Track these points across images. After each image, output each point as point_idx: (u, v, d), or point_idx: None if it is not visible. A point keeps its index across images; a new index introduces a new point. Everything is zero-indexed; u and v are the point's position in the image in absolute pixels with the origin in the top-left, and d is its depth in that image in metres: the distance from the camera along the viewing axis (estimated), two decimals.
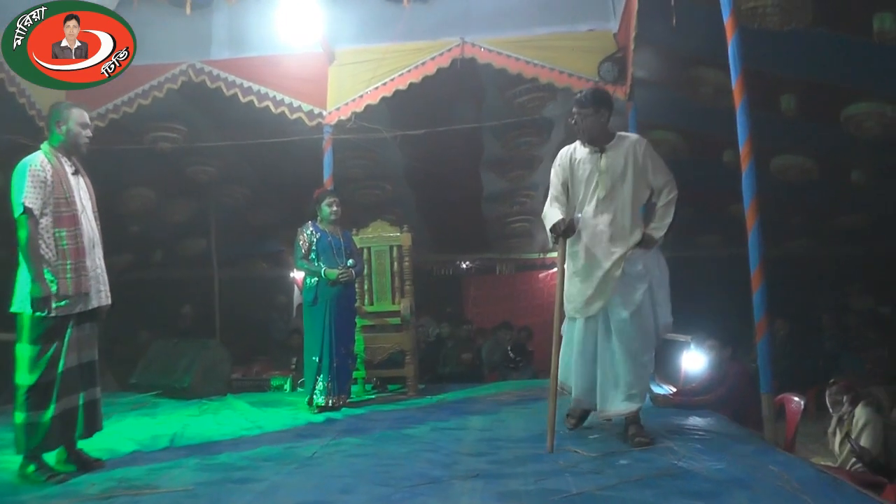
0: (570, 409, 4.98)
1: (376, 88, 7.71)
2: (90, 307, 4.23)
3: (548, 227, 4.63)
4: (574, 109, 4.61)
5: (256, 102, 7.89)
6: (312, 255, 6.46)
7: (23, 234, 4.01)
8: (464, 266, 15.64)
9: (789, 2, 5.92)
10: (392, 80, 7.68)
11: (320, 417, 5.96)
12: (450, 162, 10.03)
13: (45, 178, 4.08)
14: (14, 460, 4.18)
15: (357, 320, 6.82)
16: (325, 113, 7.85)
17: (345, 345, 6.44)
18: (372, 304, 7.33)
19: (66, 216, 4.11)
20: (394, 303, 7.27)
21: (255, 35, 7.94)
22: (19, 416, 4.00)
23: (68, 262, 4.08)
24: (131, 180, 10.35)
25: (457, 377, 9.17)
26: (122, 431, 5.41)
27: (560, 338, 4.71)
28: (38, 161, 4.13)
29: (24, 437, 4.00)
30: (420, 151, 9.41)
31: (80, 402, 4.19)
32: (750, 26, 5.85)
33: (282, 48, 7.87)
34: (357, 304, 7.20)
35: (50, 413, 4.00)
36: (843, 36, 6.38)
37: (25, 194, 4.01)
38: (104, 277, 4.40)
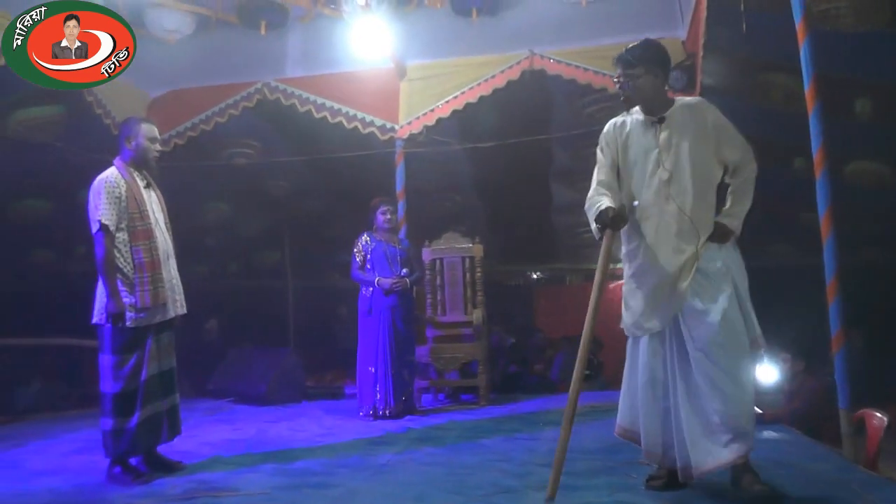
0: (652, 471, 3.78)
1: (447, 102, 7.80)
2: (168, 317, 4.38)
3: (591, 218, 3.64)
4: (618, 71, 3.65)
5: (330, 118, 8.06)
6: (368, 266, 6.55)
7: (99, 250, 4.19)
8: (534, 276, 15.62)
9: (863, 3, 5.74)
10: (463, 93, 7.76)
11: (392, 426, 6.00)
12: (519, 173, 10.06)
13: (120, 193, 4.24)
14: (102, 461, 4.36)
15: (421, 330, 6.88)
16: (396, 127, 7.98)
17: (402, 355, 6.46)
18: (444, 314, 7.39)
19: (140, 230, 4.26)
20: (466, 313, 7.31)
21: (327, 53, 8.10)
22: (107, 423, 4.18)
23: (145, 274, 4.23)
24: (208, 195, 10.66)
25: (528, 387, 9.17)
26: (200, 436, 5.59)
27: (586, 357, 3.70)
28: (112, 177, 4.29)
29: (112, 443, 4.17)
30: (490, 163, 9.46)
31: (164, 408, 4.35)
32: (822, 29, 5.69)
33: (354, 65, 8.02)
34: (429, 315, 7.30)
35: (135, 420, 4.16)
36: None
37: (101, 211, 4.18)
38: (179, 287, 4.54)
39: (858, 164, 8.55)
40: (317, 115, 8.10)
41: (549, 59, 7.60)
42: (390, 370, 6.36)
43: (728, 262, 3.53)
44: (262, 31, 7.90)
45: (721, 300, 3.42)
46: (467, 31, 7.68)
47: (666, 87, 3.70)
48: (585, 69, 7.54)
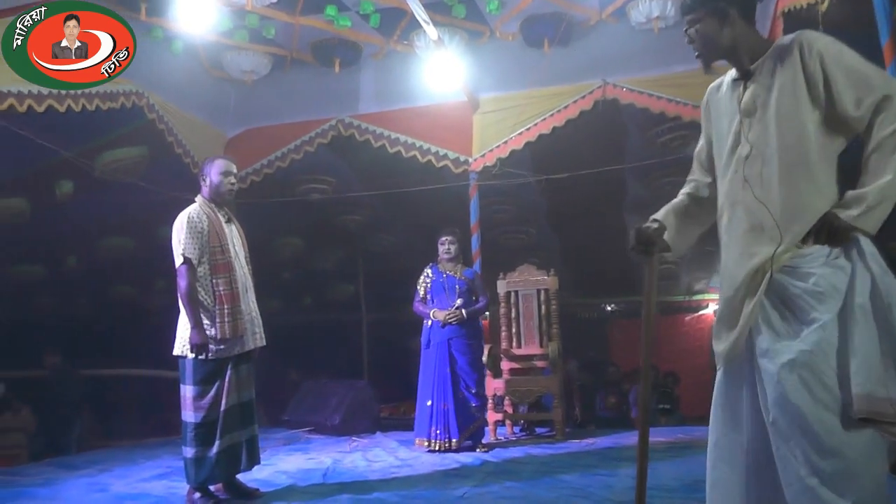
0: None
1: (520, 134, 7.81)
2: (247, 349, 4.45)
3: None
4: (686, 19, 2.70)
5: (404, 152, 8.16)
6: (429, 298, 6.55)
7: (182, 283, 4.30)
8: (608, 309, 15.46)
9: None
10: (535, 124, 7.77)
11: (467, 459, 5.94)
12: (593, 204, 10.00)
13: (202, 228, 4.36)
14: (182, 487, 4.51)
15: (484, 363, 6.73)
16: (470, 160, 8.03)
17: (464, 388, 6.37)
18: (519, 347, 7.34)
19: (221, 264, 4.37)
20: (541, 346, 7.25)
21: (400, 88, 8.21)
22: (188, 451, 4.27)
23: (225, 307, 4.32)
24: (283, 230, 10.87)
25: (603, 421, 9.04)
26: (276, 465, 5.67)
27: (648, 393, 3.03)
28: (195, 213, 4.43)
29: (193, 470, 4.26)
30: (563, 194, 9.43)
31: (243, 438, 4.41)
32: None
33: (427, 99, 8.12)
34: (504, 347, 7.25)
35: (215, 449, 4.24)
36: None
37: (184, 246, 4.30)
38: (258, 320, 4.62)
39: None
40: (391, 150, 8.20)
41: (622, 87, 7.57)
42: (451, 403, 6.28)
43: (835, 278, 2.30)
44: (336, 69, 8.06)
45: (803, 338, 2.29)
46: (539, 62, 7.69)
47: (752, 31, 2.64)
48: (659, 97, 7.49)
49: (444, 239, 6.63)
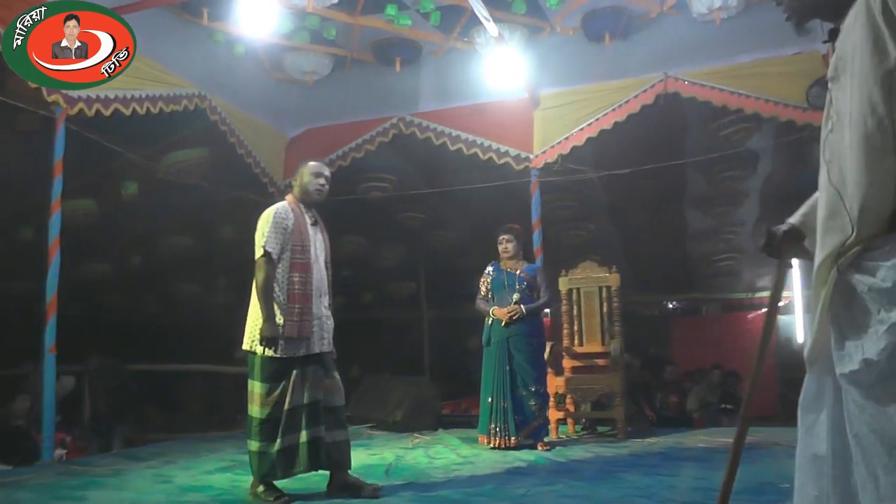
0: None
1: (581, 129, 7.78)
2: (313, 351, 4.43)
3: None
4: None
5: (465, 150, 8.18)
6: (489, 296, 6.53)
7: (260, 275, 4.33)
8: (669, 306, 15.30)
9: None
10: (597, 119, 7.72)
11: (530, 457, 5.92)
12: (654, 200, 9.91)
13: (287, 225, 4.40)
14: (244, 480, 4.63)
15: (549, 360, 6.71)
16: (531, 157, 8.01)
17: (525, 385, 6.32)
18: (581, 344, 7.29)
19: (300, 262, 4.39)
20: (603, 344, 7.18)
21: (460, 85, 8.24)
22: (253, 444, 4.31)
23: (296, 306, 4.33)
24: (344, 228, 10.94)
25: (664, 420, 8.95)
26: None
27: (752, 398, 2.80)
28: (282, 209, 4.46)
29: (257, 464, 4.30)
30: (624, 190, 9.35)
31: (303, 439, 4.36)
32: None
33: (487, 96, 8.13)
34: (566, 345, 7.21)
35: (277, 446, 4.26)
36: None
37: (267, 239, 4.33)
38: (329, 325, 4.60)
39: None
40: (452, 148, 8.22)
41: (684, 80, 7.48)
42: (510, 401, 6.25)
43: None
44: (397, 68, 8.11)
45: (873, 344, 1.94)
46: (600, 56, 7.63)
47: None
48: (721, 90, 7.39)
49: (502, 238, 6.61)
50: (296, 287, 4.36)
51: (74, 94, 6.18)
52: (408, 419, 7.67)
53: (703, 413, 9.78)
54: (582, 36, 7.77)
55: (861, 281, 1.99)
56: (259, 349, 4.31)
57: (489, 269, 6.64)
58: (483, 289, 6.60)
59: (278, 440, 4.27)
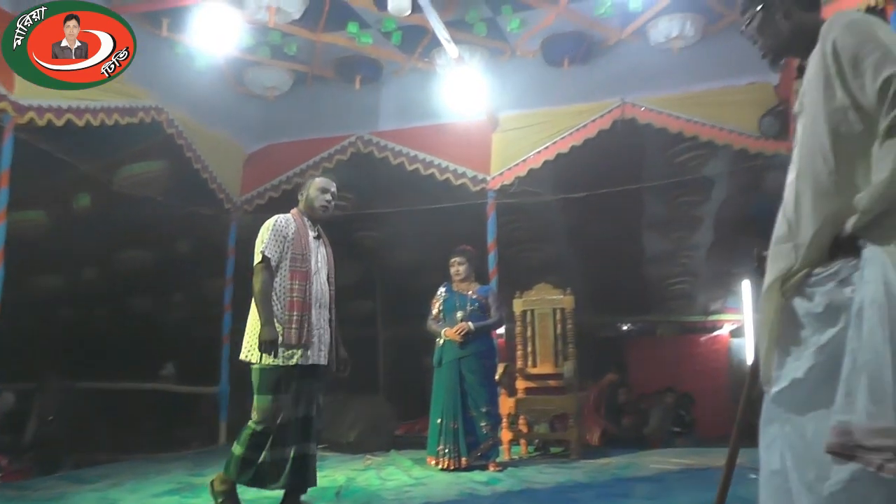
0: None
1: (539, 152, 7.85)
2: (310, 362, 4.40)
3: None
4: (744, 18, 2.54)
5: (422, 170, 8.20)
6: (441, 317, 6.52)
7: (258, 280, 4.33)
8: (624, 328, 15.38)
9: None
10: (554, 143, 7.80)
11: (482, 478, 5.90)
12: (610, 223, 9.98)
13: (287, 234, 4.42)
14: (196, 502, 4.58)
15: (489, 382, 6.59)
16: (488, 178, 8.05)
17: (476, 406, 6.31)
18: (535, 366, 7.31)
19: (299, 271, 4.39)
20: (557, 365, 7.21)
21: (420, 105, 8.26)
22: (238, 449, 4.29)
23: (295, 313, 4.32)
24: None
25: (618, 441, 8.99)
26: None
27: (746, 418, 2.96)
28: (284, 218, 4.51)
29: (235, 467, 4.28)
30: (581, 213, 9.40)
31: (291, 454, 4.35)
32: None
33: (447, 117, 8.17)
34: (520, 366, 7.23)
35: (261, 458, 4.26)
36: None
37: (266, 245, 4.35)
38: (326, 339, 4.57)
39: None
40: (409, 167, 8.23)
41: (641, 107, 7.60)
42: (460, 422, 6.23)
43: (837, 296, 2.11)
44: (357, 86, 8.12)
45: (800, 362, 2.16)
46: (559, 80, 7.73)
47: (811, 18, 2.41)
48: (677, 117, 7.52)
49: (453, 260, 6.62)
50: (295, 294, 4.35)
51: (25, 102, 6.07)
52: (361, 440, 7.61)
53: (657, 434, 9.84)
54: (542, 60, 7.85)
55: (801, 305, 2.17)
56: (256, 358, 4.29)
57: (441, 290, 6.65)
58: (435, 310, 6.59)
59: (265, 452, 4.26)
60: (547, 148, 7.82)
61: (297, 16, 6.89)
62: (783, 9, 2.41)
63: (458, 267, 6.59)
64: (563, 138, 7.76)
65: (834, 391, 2.00)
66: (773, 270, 2.28)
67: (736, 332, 14.43)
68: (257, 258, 4.35)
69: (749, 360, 13.41)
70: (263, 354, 4.23)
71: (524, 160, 7.92)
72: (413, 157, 8.19)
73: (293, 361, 4.30)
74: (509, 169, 7.99)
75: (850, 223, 2.07)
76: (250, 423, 4.31)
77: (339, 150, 8.48)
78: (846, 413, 1.95)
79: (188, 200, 8.74)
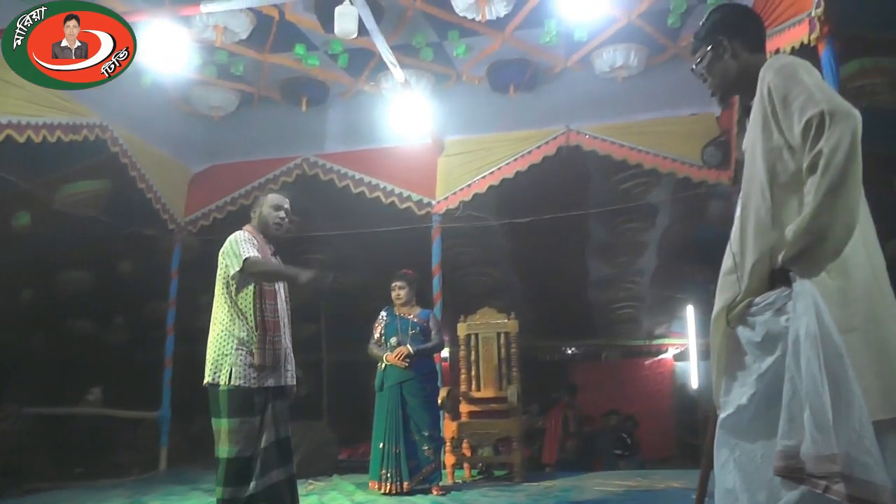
0: None
1: (484, 177, 7.89)
2: (282, 383, 4.27)
3: None
4: (694, 58, 2.70)
5: (367, 193, 8.19)
6: (382, 341, 6.51)
7: (258, 268, 4.12)
8: (569, 352, 15.51)
9: None
10: (500, 168, 7.85)
11: (426, 501, 5.90)
12: (555, 248, 10.08)
13: (256, 246, 4.25)
14: None
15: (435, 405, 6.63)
16: (433, 202, 8.07)
17: (418, 430, 6.31)
18: (479, 389, 7.33)
19: (268, 289, 4.24)
20: (500, 389, 7.23)
21: (366, 128, 8.26)
22: (219, 492, 4.02)
23: (267, 333, 4.16)
24: None
25: (562, 464, 9.04)
26: None
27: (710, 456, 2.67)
28: (247, 233, 4.34)
29: None
30: (526, 238, 9.49)
31: (282, 477, 4.19)
32: (858, 105, 5.66)
33: (392, 140, 8.18)
34: (464, 390, 7.24)
35: (251, 489, 4.00)
36: None
37: (245, 250, 4.14)
38: (292, 358, 4.43)
39: None
40: (354, 190, 8.22)
41: (585, 134, 7.70)
42: (402, 446, 6.22)
43: (774, 326, 2.23)
44: (304, 108, 8.09)
45: (744, 389, 2.30)
46: (505, 106, 7.79)
47: (757, 60, 2.53)
48: (621, 145, 7.63)
49: (394, 284, 6.63)
50: (267, 314, 4.20)
51: None
52: (304, 465, 7.47)
53: (601, 456, 9.93)
54: (487, 86, 7.91)
55: (744, 334, 2.31)
56: (224, 381, 4.06)
57: (383, 313, 6.65)
58: (376, 334, 6.59)
59: (253, 483, 4.01)
60: (492, 173, 7.88)
61: (244, 36, 6.86)
62: (731, 49, 2.56)
63: (398, 291, 6.60)
64: (508, 164, 7.83)
65: (776, 416, 2.12)
66: (720, 300, 2.40)
67: (680, 356, 14.67)
68: (237, 265, 4.11)
69: (693, 383, 13.73)
70: (234, 375, 4.04)
71: (469, 185, 7.96)
72: (359, 180, 8.18)
73: (268, 383, 4.15)
74: (454, 193, 8.02)
75: (781, 256, 2.20)
76: (220, 454, 4.04)
77: (285, 172, 8.43)
78: (790, 438, 2.07)
79: (131, 220, 8.61)
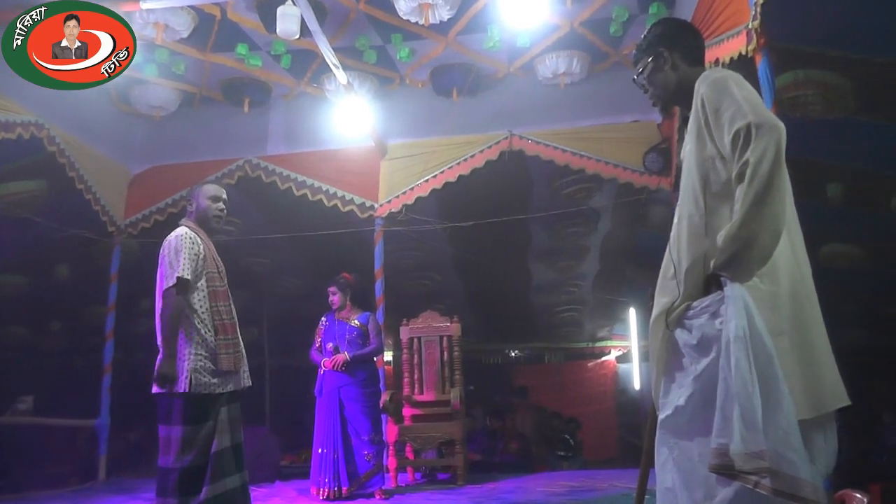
0: None
1: (426, 181, 7.88)
2: (241, 386, 4.05)
3: None
4: (636, 68, 2.76)
5: (310, 196, 8.11)
6: (322, 345, 6.51)
7: (169, 306, 3.86)
8: (512, 355, 15.60)
9: (831, 91, 5.87)
10: (442, 172, 7.85)
11: None
12: (498, 252, 10.12)
13: (199, 251, 3.98)
14: None
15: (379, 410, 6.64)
16: (376, 205, 8.04)
17: (356, 435, 6.29)
18: (422, 393, 7.33)
19: (220, 290, 4.01)
20: (443, 392, 7.25)
21: (309, 131, 8.23)
22: (168, 502, 3.77)
23: (228, 336, 3.95)
24: None
25: (505, 466, 9.07)
26: None
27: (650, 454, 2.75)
28: (189, 234, 4.04)
29: None
30: (469, 242, 9.51)
31: (237, 484, 3.96)
32: (792, 116, 5.81)
33: (335, 143, 8.12)
34: (406, 393, 7.24)
35: (203, 496, 3.77)
36: (887, 124, 6.37)
37: (181, 266, 3.89)
38: (245, 358, 4.17)
39: (832, 247, 8.67)
40: (297, 193, 8.14)
41: (528, 139, 7.73)
42: (341, 451, 6.20)
43: (709, 329, 2.28)
44: (246, 109, 8.03)
45: (682, 391, 2.36)
46: (448, 111, 7.82)
47: (696, 72, 2.61)
48: (564, 150, 7.66)
49: (329, 290, 6.62)
50: (223, 317, 3.96)
51: None
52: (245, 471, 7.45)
53: (543, 458, 10.00)
54: (431, 90, 7.95)
55: (681, 337, 2.38)
56: (181, 387, 3.79)
57: (324, 319, 6.64)
58: (318, 340, 6.58)
59: (205, 489, 3.77)
60: (435, 177, 7.87)
61: (185, 34, 6.77)
62: (671, 61, 2.65)
63: (332, 297, 6.60)
64: (450, 168, 7.83)
65: (712, 416, 2.17)
66: (659, 304, 2.48)
67: (622, 358, 14.85)
68: (170, 281, 3.86)
69: (635, 384, 13.89)
70: (193, 382, 3.78)
71: (412, 188, 7.93)
72: (301, 183, 8.10)
73: (228, 388, 3.93)
74: (397, 197, 7.99)
75: (713, 262, 2.28)
76: (168, 464, 3.78)
77: (227, 174, 8.31)
78: (724, 436, 2.12)
79: (69, 222, 8.37)
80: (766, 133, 2.22)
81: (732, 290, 2.21)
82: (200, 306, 3.94)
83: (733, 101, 2.33)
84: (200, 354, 3.87)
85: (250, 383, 4.18)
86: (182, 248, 3.93)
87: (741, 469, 2.08)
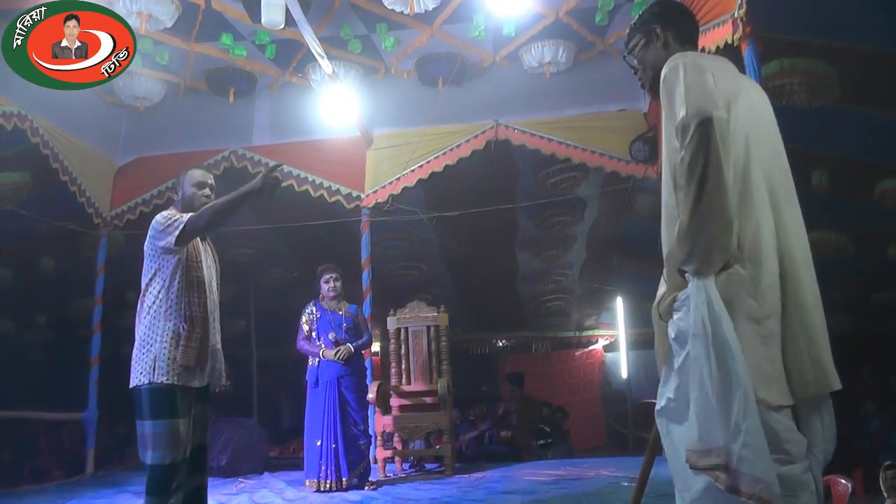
0: None
1: (413, 171, 7.88)
2: (204, 384, 3.89)
3: None
4: (627, 48, 2.73)
5: (296, 186, 8.08)
6: (314, 336, 6.43)
7: (207, 215, 3.77)
8: (500, 344, 15.62)
9: (816, 80, 5.92)
10: (428, 162, 7.85)
11: (356, 497, 5.87)
12: (485, 242, 10.13)
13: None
14: None
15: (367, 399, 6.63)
16: (362, 196, 8.03)
17: (353, 425, 6.28)
18: (409, 383, 7.33)
19: (196, 280, 3.85)
20: (431, 382, 7.25)
21: (295, 121, 8.20)
22: (150, 500, 3.65)
23: (196, 329, 3.78)
24: None
25: (493, 456, 9.10)
26: None
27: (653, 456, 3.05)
28: (174, 213, 3.90)
29: None
30: (456, 232, 9.50)
31: (199, 485, 3.86)
32: (778, 104, 5.82)
33: (321, 133, 8.11)
34: (394, 384, 7.23)
35: (172, 500, 3.63)
36: (871, 112, 6.41)
37: (176, 219, 3.78)
38: (221, 356, 4.06)
39: (817, 234, 8.71)
40: (283, 183, 8.09)
41: (514, 129, 7.73)
42: (341, 442, 6.17)
43: (684, 322, 2.26)
44: (231, 99, 7.99)
45: (668, 384, 2.38)
46: (434, 100, 7.79)
47: (672, 48, 2.58)
48: (550, 139, 7.67)
49: (328, 276, 6.52)
50: (195, 309, 3.78)
51: None
52: (233, 463, 7.45)
53: (531, 447, 10.01)
54: (416, 79, 7.93)
55: (667, 329, 2.38)
56: (147, 379, 3.65)
57: (312, 308, 6.55)
58: (306, 328, 6.49)
59: (176, 489, 3.63)
60: (421, 167, 7.87)
61: (169, 24, 6.72)
62: (663, 38, 2.59)
63: (334, 283, 6.52)
64: (437, 157, 7.83)
65: (692, 415, 2.20)
66: (657, 295, 2.46)
67: (609, 347, 14.90)
68: (178, 231, 3.72)
69: (622, 373, 13.93)
70: (156, 372, 3.64)
71: (398, 178, 7.93)
72: (287, 173, 8.04)
73: (193, 383, 3.77)
74: (383, 187, 7.99)
75: (678, 257, 2.25)
76: (150, 461, 3.62)
77: (213, 165, 8.25)
78: (693, 431, 2.18)
79: (54, 215, 8.31)
80: (697, 128, 2.17)
81: (693, 285, 2.20)
82: (172, 297, 3.78)
83: (680, 90, 2.27)
84: (165, 346, 3.73)
85: (224, 382, 4.07)
86: (168, 217, 3.82)
87: (698, 466, 2.14)
